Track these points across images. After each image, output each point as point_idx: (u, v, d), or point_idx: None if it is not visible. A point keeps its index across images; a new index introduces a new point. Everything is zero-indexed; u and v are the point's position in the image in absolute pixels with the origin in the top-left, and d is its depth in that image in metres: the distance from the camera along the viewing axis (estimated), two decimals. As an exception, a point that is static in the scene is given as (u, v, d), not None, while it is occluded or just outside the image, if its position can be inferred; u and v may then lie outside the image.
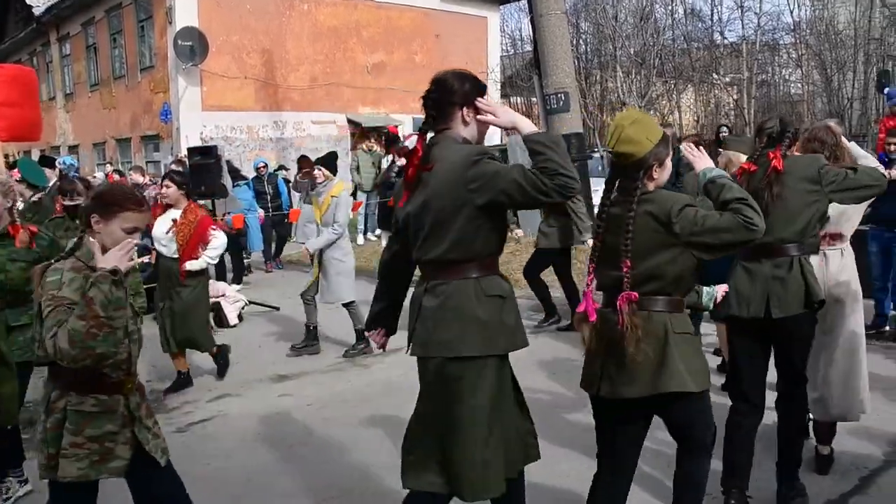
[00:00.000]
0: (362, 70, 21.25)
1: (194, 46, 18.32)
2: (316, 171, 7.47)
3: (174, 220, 6.15)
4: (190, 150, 14.60)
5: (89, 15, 23.67)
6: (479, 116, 2.92)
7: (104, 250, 2.72)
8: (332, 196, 7.20)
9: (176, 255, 6.14)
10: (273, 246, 13.38)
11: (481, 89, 2.97)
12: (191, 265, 6.12)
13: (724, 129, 14.25)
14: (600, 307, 2.97)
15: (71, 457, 2.70)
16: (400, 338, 3.17)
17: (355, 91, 21.17)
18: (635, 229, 2.85)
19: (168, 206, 6.29)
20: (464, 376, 2.80)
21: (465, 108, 2.92)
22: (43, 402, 2.81)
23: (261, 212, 12.55)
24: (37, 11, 26.43)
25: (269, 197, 13.33)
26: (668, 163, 3.00)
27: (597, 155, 16.51)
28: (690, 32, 29.15)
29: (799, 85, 30.26)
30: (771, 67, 30.48)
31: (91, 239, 2.78)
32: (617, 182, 3.01)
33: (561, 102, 12.58)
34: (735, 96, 28.26)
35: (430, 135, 2.98)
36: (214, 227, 6.31)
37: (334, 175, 7.47)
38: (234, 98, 19.44)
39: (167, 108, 19.29)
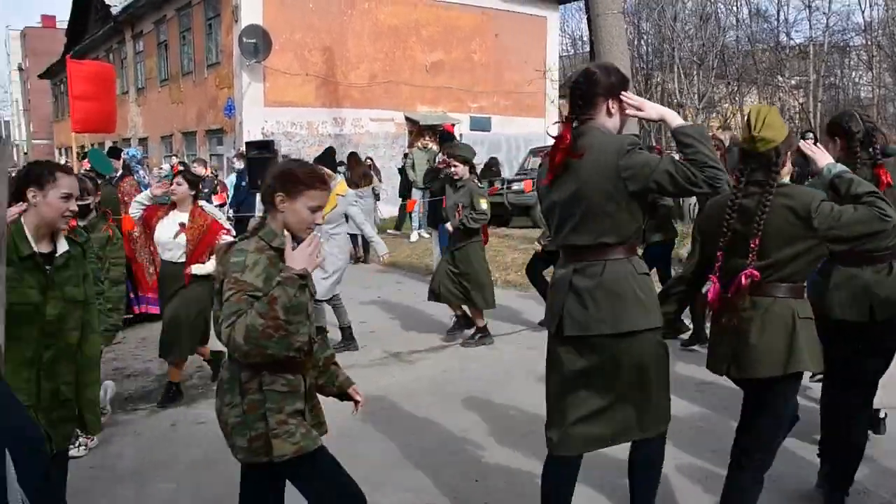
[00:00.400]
0: (421, 68, 21.54)
1: (258, 44, 18.85)
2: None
3: (182, 224, 5.83)
4: (248, 143, 15.10)
5: (161, 13, 24.52)
6: (627, 110, 3.14)
7: (289, 229, 2.77)
8: (337, 195, 7.05)
9: (182, 260, 5.83)
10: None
11: (625, 83, 3.18)
12: (197, 269, 5.76)
13: (810, 134, 14.01)
14: (725, 293, 3.15)
15: (283, 434, 2.69)
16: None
17: (413, 89, 21.46)
18: (767, 220, 3.02)
19: (171, 208, 5.96)
20: (632, 348, 3.03)
21: (610, 100, 3.11)
22: (229, 383, 2.76)
23: None
24: (114, 10, 27.51)
25: None
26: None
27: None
28: (755, 33, 28.65)
29: (869, 88, 29.48)
30: (840, 70, 29.76)
31: (276, 219, 2.77)
32: (747, 172, 3.15)
33: (617, 104, 12.63)
34: (801, 100, 27.68)
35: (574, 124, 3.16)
36: (225, 231, 6.00)
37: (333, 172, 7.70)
38: (296, 94, 19.91)
39: (231, 103, 19.87)
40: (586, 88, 3.09)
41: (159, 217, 5.95)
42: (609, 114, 3.11)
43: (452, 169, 7.66)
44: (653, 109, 3.13)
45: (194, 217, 5.86)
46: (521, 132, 23.07)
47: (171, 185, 6.04)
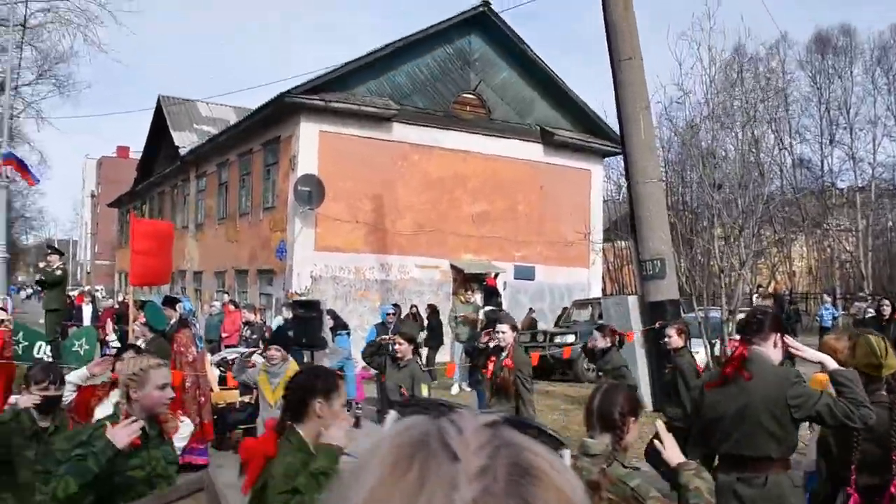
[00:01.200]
0: (467, 218, 22.20)
1: (312, 192, 19.72)
2: (272, 351, 7.42)
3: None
4: (295, 302, 15.61)
5: (224, 157, 25.86)
6: (791, 350, 3.87)
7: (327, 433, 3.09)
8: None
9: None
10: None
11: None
12: None
13: (886, 303, 14.00)
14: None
15: None
16: None
17: (459, 238, 22.08)
18: None
19: (112, 387, 5.17)
20: None
21: (777, 335, 3.84)
22: None
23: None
24: (182, 151, 29.21)
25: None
26: None
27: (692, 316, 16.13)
28: (800, 182, 28.95)
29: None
30: (890, 214, 29.71)
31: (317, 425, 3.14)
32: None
33: (657, 269, 12.74)
34: (851, 246, 27.58)
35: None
36: (180, 412, 5.60)
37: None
38: (345, 240, 20.63)
39: (283, 245, 20.62)
40: (762, 322, 3.83)
41: (98, 397, 5.53)
42: (775, 346, 3.81)
43: (396, 347, 7.72)
44: (812, 355, 3.83)
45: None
46: (565, 282, 23.46)
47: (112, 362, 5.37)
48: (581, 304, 20.54)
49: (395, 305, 14.05)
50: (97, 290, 43.21)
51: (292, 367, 7.12)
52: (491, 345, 8.11)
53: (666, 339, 8.08)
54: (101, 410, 4.99)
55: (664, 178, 24.87)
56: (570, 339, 17.67)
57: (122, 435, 3.17)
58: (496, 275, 20.44)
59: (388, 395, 7.72)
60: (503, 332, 7.54)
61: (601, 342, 8.48)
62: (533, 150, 23.34)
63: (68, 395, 5.23)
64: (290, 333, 14.24)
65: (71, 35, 37.30)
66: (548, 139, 23.36)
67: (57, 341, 15.02)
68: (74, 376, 5.20)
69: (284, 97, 19.76)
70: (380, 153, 21.01)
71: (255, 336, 14.39)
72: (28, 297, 56.07)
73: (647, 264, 12.88)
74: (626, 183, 14.15)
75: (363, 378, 12.58)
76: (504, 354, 7.53)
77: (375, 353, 8.74)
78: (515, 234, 23.02)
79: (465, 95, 22.44)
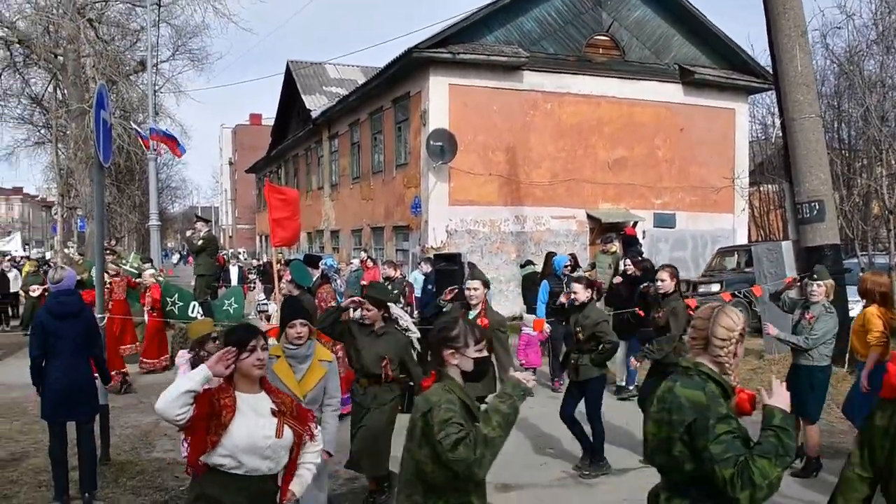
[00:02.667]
0: (603, 166, 21.48)
1: (444, 146, 19.51)
2: (298, 328, 5.16)
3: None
4: (436, 256, 15.58)
5: (355, 117, 26.00)
6: None
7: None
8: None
9: None
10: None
11: None
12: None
13: None
14: None
15: None
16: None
17: (595, 187, 21.40)
18: None
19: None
20: None
21: None
22: None
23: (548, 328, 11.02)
24: (313, 114, 29.58)
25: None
26: None
27: (853, 263, 15.03)
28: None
29: None
30: None
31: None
32: None
33: (814, 212, 11.82)
34: None
35: None
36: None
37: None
38: (479, 193, 20.36)
39: (418, 201, 20.57)
40: None
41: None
42: None
43: (365, 312, 6.27)
44: None
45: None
46: (708, 229, 22.42)
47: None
48: (726, 252, 19.57)
49: (573, 255, 13.35)
50: (240, 253, 44.92)
51: (319, 349, 5.38)
52: (575, 301, 7.57)
53: (658, 283, 7.76)
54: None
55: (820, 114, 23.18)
56: (716, 288, 16.92)
57: None
58: (635, 223, 19.68)
59: (370, 368, 6.18)
60: (475, 289, 7.00)
61: (582, 295, 7.43)
62: (671, 91, 22.21)
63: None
64: (432, 287, 14.25)
65: (202, 9, 38.70)
66: (687, 78, 22.14)
67: (207, 302, 15.59)
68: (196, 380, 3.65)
69: (412, 52, 19.51)
70: (511, 103, 20.54)
71: (395, 291, 14.35)
72: (176, 263, 59.09)
73: (803, 207, 11.94)
74: (780, 120, 13.10)
75: (539, 341, 11.77)
76: (475, 313, 6.92)
77: (336, 320, 6.33)
78: (655, 181, 22.11)
79: (597, 37, 21.54)
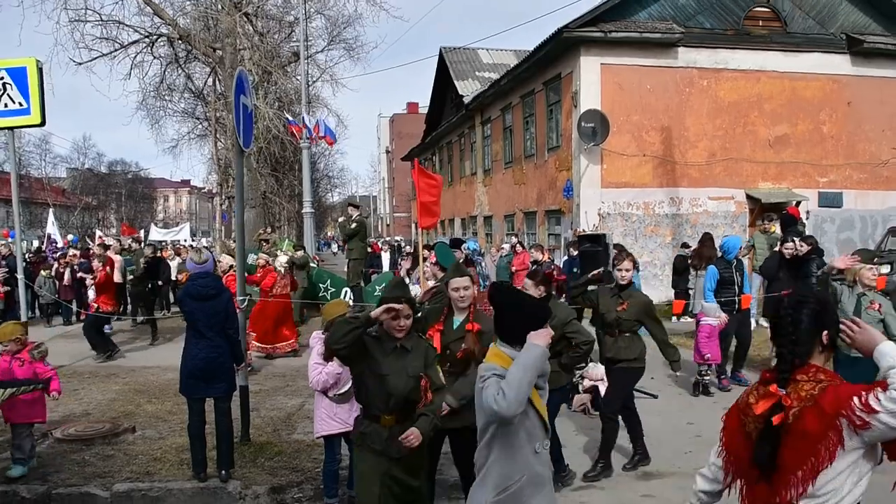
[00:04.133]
0: (763, 143, 20.63)
1: (596, 127, 19.33)
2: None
3: None
4: (581, 237, 15.52)
5: (507, 101, 26.15)
6: None
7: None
8: None
9: None
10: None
11: None
12: None
13: None
14: None
15: None
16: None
17: (755, 166, 20.60)
18: None
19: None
20: None
21: None
22: None
23: (722, 316, 10.35)
24: (466, 100, 30.01)
25: (736, 288, 10.59)
26: None
27: None
28: None
29: None
30: None
31: None
32: None
33: None
34: None
35: None
36: None
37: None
38: (632, 175, 20.06)
39: (570, 184, 20.49)
40: None
41: None
42: None
43: (396, 324, 4.61)
44: None
45: None
46: (879, 208, 21.14)
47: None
48: (896, 233, 18.39)
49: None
50: (398, 240, 46.08)
51: None
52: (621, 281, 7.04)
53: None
54: None
55: None
56: (885, 269, 15.97)
57: None
58: (798, 203, 18.87)
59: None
60: (463, 289, 5.36)
61: (532, 291, 6.19)
62: (838, 63, 20.99)
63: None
64: (576, 269, 14.24)
65: (355, -1, 39.56)
66: (856, 48, 20.85)
67: (359, 286, 16.19)
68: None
69: (562, 32, 19.43)
70: (665, 81, 20.10)
71: (543, 273, 14.43)
72: (335, 252, 60.86)
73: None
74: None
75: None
76: (462, 319, 5.40)
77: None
78: (820, 158, 21.03)
79: (756, 9, 20.66)
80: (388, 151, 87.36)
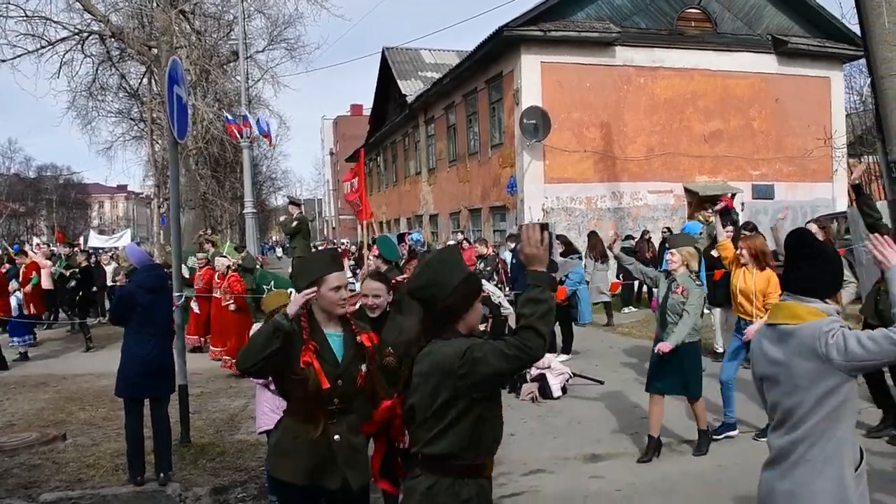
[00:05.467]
0: (699, 139, 21.47)
1: (538, 124, 19.85)
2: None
3: None
4: (519, 226, 15.90)
5: (450, 100, 26.59)
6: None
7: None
8: None
9: None
10: None
11: None
12: None
13: None
14: None
15: None
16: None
17: (692, 160, 21.41)
18: None
19: None
20: None
21: None
22: None
23: None
24: (409, 99, 30.34)
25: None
26: None
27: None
28: None
29: None
30: None
31: None
32: None
33: (907, 168, 11.84)
34: None
35: None
36: None
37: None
38: (574, 170, 20.64)
39: (513, 181, 20.98)
40: None
41: None
42: None
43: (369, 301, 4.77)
44: None
45: None
46: (806, 199, 22.12)
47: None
48: (825, 220, 19.29)
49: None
50: (343, 242, 46.06)
51: None
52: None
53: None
54: None
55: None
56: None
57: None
58: (733, 195, 19.63)
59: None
60: (377, 297, 4.79)
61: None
62: (765, 62, 22.03)
63: None
64: (515, 262, 14.60)
65: (294, -4, 39.09)
66: (781, 48, 21.92)
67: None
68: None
69: (503, 31, 19.92)
70: (604, 79, 20.74)
71: (488, 268, 14.81)
72: (280, 257, 59.41)
73: (894, 165, 11.84)
74: (869, 79, 12.98)
75: None
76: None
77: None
78: (752, 152, 21.96)
79: (688, 10, 21.52)
80: (332, 153, 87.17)
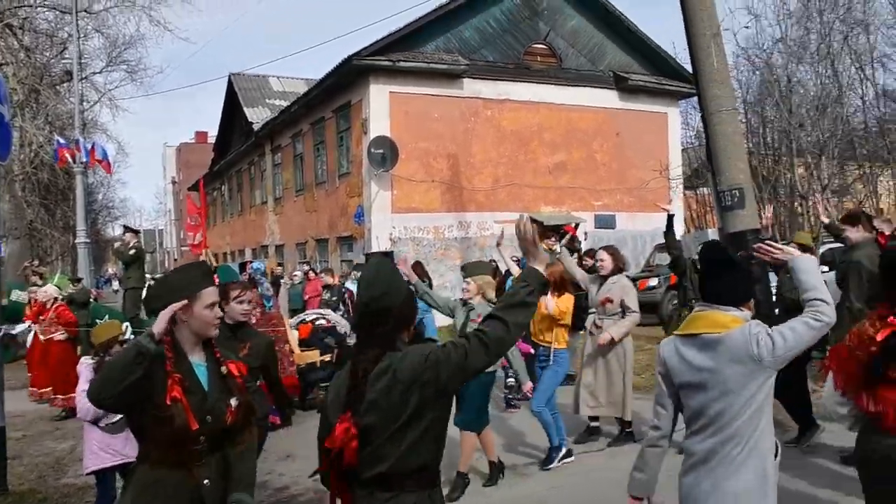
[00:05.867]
0: (544, 170, 21.89)
1: (386, 154, 19.69)
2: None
3: None
4: (367, 255, 15.66)
5: (298, 128, 26.04)
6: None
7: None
8: None
9: None
10: None
11: None
12: None
13: None
14: None
15: None
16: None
17: (537, 191, 21.79)
18: None
19: None
20: None
21: None
22: None
23: None
24: (255, 127, 29.54)
25: None
26: None
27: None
28: (884, 114, 27.58)
29: None
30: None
31: None
32: None
33: (735, 199, 12.40)
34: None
35: None
36: None
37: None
38: (422, 200, 20.56)
39: (361, 210, 20.67)
40: None
41: None
42: None
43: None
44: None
45: None
46: (646, 228, 22.91)
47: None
48: (663, 248, 20.09)
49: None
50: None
51: None
52: None
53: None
54: None
55: (744, 120, 24.27)
56: (654, 282, 17.53)
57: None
58: (577, 225, 20.07)
59: None
60: (244, 304, 5.09)
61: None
62: (607, 97, 22.83)
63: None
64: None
65: (136, 18, 37.75)
66: (622, 84, 22.81)
67: (137, 317, 15.34)
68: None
69: (352, 60, 19.67)
70: (452, 110, 20.83)
71: (334, 298, 14.50)
72: (116, 290, 56.11)
73: (725, 195, 12.49)
74: (700, 115, 13.75)
75: None
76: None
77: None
78: (594, 184, 22.61)
79: (535, 46, 22.02)
80: (174, 182, 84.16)
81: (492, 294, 6.93)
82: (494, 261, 19.11)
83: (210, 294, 3.25)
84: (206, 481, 3.15)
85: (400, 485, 2.76)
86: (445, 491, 6.34)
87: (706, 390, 3.14)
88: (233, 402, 3.26)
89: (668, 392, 3.34)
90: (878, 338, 3.33)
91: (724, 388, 3.09)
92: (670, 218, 7.93)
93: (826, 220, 8.56)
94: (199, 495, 3.13)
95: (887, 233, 7.96)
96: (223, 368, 3.31)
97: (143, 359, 2.92)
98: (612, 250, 7.98)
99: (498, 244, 8.60)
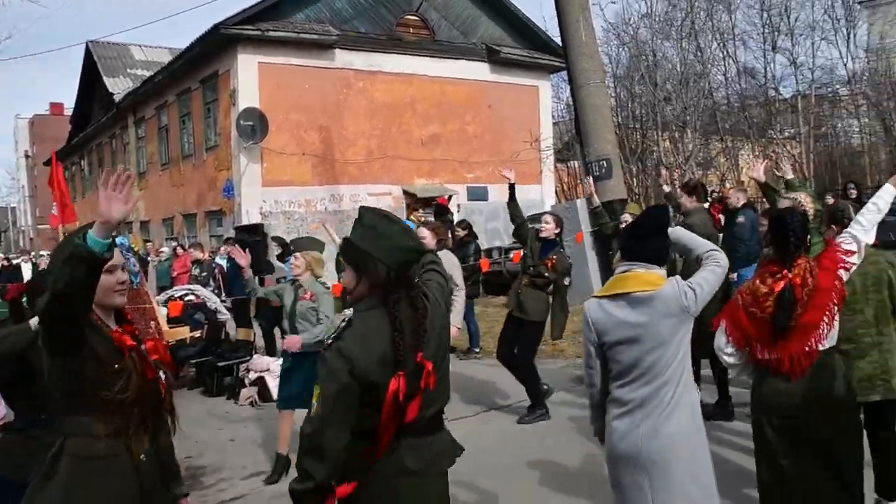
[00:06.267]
0: (417, 143, 21.86)
1: (255, 126, 19.18)
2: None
3: None
4: (237, 228, 15.30)
5: (162, 99, 25.01)
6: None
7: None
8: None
9: None
10: None
11: None
12: None
13: (852, 185, 12.95)
14: None
15: None
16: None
17: (410, 163, 21.75)
18: None
19: None
20: None
21: None
22: None
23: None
24: (116, 98, 28.16)
25: None
26: None
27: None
28: (745, 90, 29.02)
29: (859, 137, 29.78)
30: (830, 121, 30.05)
31: None
32: None
33: (603, 170, 12.80)
34: (796, 151, 27.95)
35: None
36: None
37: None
38: (293, 173, 20.18)
39: (230, 184, 20.12)
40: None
41: None
42: None
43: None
44: None
45: None
46: (518, 200, 23.29)
47: None
48: (534, 218, 20.45)
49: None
50: (42, 255, 42.03)
51: None
52: None
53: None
54: None
55: (613, 94, 25.01)
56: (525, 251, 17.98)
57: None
58: (449, 197, 20.19)
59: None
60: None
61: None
62: (479, 70, 22.98)
63: None
64: (230, 265, 13.99)
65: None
66: (494, 57, 22.99)
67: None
68: None
69: (218, 29, 19.03)
70: (323, 82, 20.47)
71: (204, 274, 14.11)
72: None
73: (593, 165, 13.00)
74: (570, 87, 14.08)
75: None
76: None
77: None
78: (467, 156, 22.76)
79: (407, 17, 21.89)
80: (27, 157, 79.55)
81: (320, 271, 6.38)
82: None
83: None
84: (142, 457, 2.79)
85: (440, 423, 2.93)
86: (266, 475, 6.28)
87: (640, 343, 3.33)
88: (161, 375, 2.95)
89: (595, 352, 3.51)
90: (776, 289, 3.68)
91: (659, 339, 3.30)
92: (512, 187, 7.97)
93: (667, 189, 9.11)
94: (138, 474, 2.76)
95: (742, 203, 8.45)
96: (142, 346, 2.92)
97: (84, 265, 2.53)
98: (433, 226, 7.60)
99: (323, 224, 8.74)
